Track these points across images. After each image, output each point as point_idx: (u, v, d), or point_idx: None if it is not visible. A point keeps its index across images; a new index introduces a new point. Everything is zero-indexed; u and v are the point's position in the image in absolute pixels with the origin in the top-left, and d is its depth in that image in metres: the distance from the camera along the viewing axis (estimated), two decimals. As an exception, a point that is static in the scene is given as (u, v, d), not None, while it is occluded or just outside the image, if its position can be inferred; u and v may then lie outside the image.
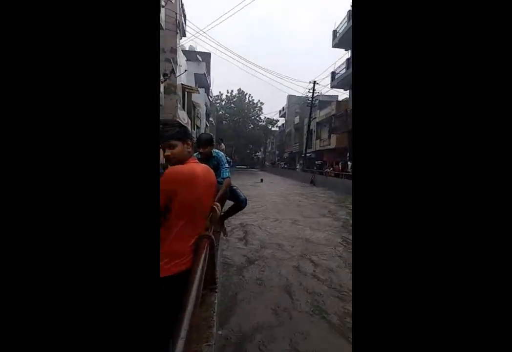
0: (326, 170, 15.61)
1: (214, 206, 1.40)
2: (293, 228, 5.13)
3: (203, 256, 1.10)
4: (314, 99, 21.01)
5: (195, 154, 2.32)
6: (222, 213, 2.49)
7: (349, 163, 12.71)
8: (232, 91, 35.73)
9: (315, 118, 21.19)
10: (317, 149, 20.85)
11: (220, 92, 36.46)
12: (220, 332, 1.69)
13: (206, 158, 2.30)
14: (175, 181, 1.14)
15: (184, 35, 15.21)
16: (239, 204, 2.56)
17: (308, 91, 21.16)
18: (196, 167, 1.25)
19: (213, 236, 1.35)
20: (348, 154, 13.88)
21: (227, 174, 2.29)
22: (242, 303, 2.28)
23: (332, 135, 16.94)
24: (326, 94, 22.43)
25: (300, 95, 26.25)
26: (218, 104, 34.83)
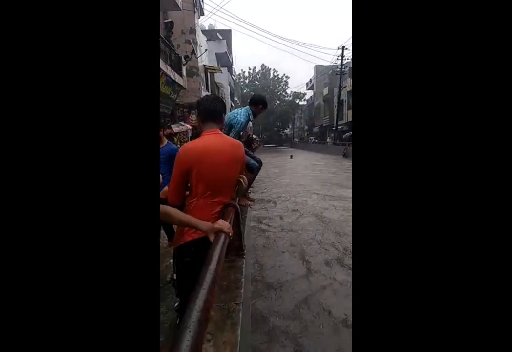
0: (359, 142, 14.88)
1: (240, 179, 1.42)
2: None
3: (228, 222, 1.14)
4: (343, 66, 19.54)
5: (239, 110, 2.40)
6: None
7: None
8: (254, 67, 34.65)
9: (345, 86, 19.85)
10: (349, 120, 19.76)
11: (242, 70, 35.54)
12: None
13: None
14: (187, 157, 1.17)
15: (203, 14, 14.76)
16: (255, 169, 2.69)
17: (337, 58, 19.67)
18: (211, 140, 1.25)
19: (238, 206, 1.38)
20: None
21: None
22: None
23: (364, 104, 15.85)
24: (357, 59, 20.66)
25: (328, 64, 24.55)
26: (242, 83, 34.14)
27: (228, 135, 2.29)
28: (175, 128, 6.40)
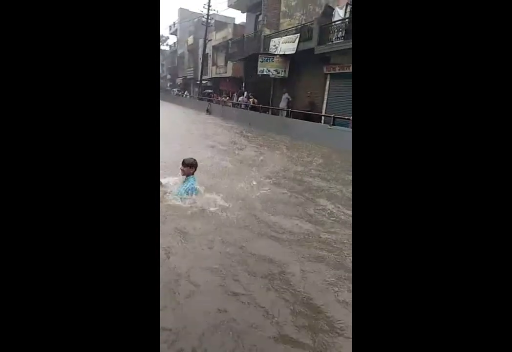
0: (222, 99, 15.80)
1: None
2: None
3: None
4: (209, 18, 19.01)
5: None
6: None
7: (245, 93, 13.26)
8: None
9: (210, 40, 19.65)
10: (213, 76, 20.10)
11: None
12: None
13: None
14: None
15: None
16: None
17: (204, 7, 18.77)
18: None
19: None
20: (244, 85, 14.32)
21: None
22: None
23: (228, 62, 16.60)
24: (222, 14, 20.57)
25: (194, 11, 22.92)
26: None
27: None
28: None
